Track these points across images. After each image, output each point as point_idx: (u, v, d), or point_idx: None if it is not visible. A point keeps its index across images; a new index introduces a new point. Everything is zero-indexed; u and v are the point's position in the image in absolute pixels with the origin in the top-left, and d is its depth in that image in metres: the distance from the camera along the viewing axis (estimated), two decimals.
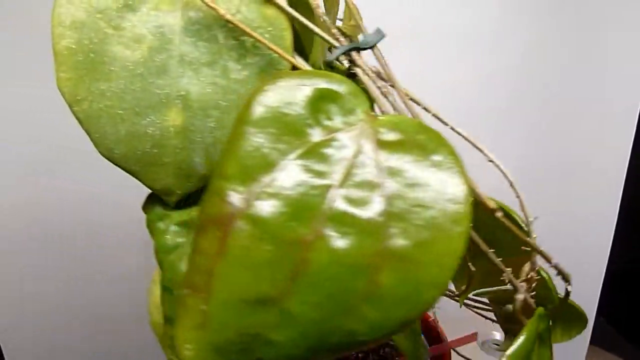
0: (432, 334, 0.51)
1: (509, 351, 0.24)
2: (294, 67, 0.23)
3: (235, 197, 0.19)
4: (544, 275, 0.28)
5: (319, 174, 0.19)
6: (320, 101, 0.20)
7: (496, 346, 0.47)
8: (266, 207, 0.19)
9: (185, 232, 0.25)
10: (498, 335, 0.48)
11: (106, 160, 0.23)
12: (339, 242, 0.18)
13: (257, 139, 0.19)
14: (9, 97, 0.56)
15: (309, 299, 0.19)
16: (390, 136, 0.20)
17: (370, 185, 0.19)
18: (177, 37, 0.23)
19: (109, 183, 0.57)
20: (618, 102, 0.62)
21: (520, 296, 0.26)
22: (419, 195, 0.19)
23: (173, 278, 0.24)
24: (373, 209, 0.19)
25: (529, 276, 0.26)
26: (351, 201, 0.19)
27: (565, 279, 0.24)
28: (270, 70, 0.23)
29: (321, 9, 0.23)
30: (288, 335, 0.19)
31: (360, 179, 0.19)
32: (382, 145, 0.20)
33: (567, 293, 0.26)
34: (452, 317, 0.46)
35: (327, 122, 0.20)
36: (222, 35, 0.23)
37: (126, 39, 0.22)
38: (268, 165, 0.19)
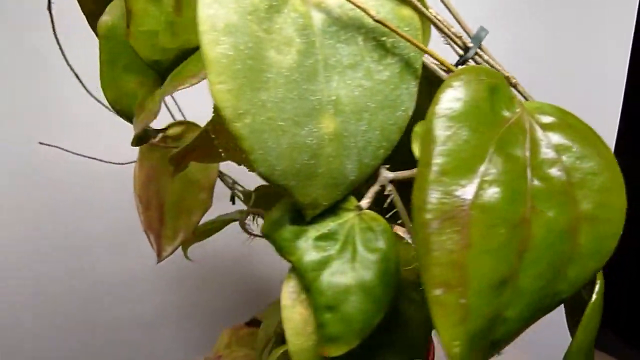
0: None
1: (594, 299, 0.29)
2: (424, 66, 0.24)
3: (461, 190, 0.19)
4: None
5: (515, 159, 0.21)
6: (492, 94, 0.22)
7: None
8: (490, 194, 0.20)
9: (331, 244, 0.24)
10: None
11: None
12: (549, 214, 0.21)
13: (464, 132, 0.20)
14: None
15: (533, 272, 0.20)
16: (547, 119, 0.23)
17: (551, 162, 0.22)
18: (318, 40, 0.22)
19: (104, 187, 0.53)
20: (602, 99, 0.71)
21: None
22: (588, 166, 0.22)
23: (334, 294, 0.23)
24: (560, 181, 0.21)
25: None
26: (542, 178, 0.21)
27: None
28: (408, 69, 0.23)
29: (433, 10, 0.25)
30: (518, 310, 0.20)
31: (542, 157, 0.22)
32: (545, 127, 0.22)
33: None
34: None
35: (501, 112, 0.22)
36: (362, 37, 0.23)
37: (277, 42, 0.20)
38: (480, 156, 0.20)
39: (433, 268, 0.19)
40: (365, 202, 0.24)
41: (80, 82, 0.47)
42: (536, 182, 0.21)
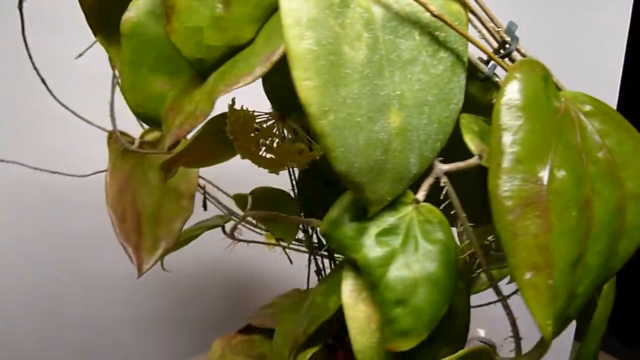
0: None
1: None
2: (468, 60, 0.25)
3: (537, 177, 0.20)
4: None
5: (572, 145, 0.22)
6: (545, 85, 0.23)
7: (482, 344, 0.53)
8: (561, 179, 0.21)
9: (392, 239, 0.24)
10: (482, 332, 0.54)
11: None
12: (605, 194, 0.22)
13: (530, 122, 0.21)
14: None
15: (596, 249, 0.22)
16: (587, 108, 0.24)
17: (598, 147, 0.23)
18: (380, 35, 0.22)
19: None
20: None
21: None
22: (626, 150, 0.24)
23: (404, 288, 0.23)
24: (607, 163, 0.23)
25: None
26: (593, 161, 0.23)
27: None
28: (458, 63, 0.24)
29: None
30: (585, 286, 0.22)
31: (590, 143, 0.23)
32: (587, 115, 0.24)
33: None
34: None
35: (553, 102, 0.23)
36: (418, 32, 0.23)
37: (350, 38, 0.20)
38: (547, 144, 0.21)
39: (521, 252, 0.20)
40: (421, 194, 0.25)
41: (47, 87, 0.43)
42: (591, 166, 0.23)
